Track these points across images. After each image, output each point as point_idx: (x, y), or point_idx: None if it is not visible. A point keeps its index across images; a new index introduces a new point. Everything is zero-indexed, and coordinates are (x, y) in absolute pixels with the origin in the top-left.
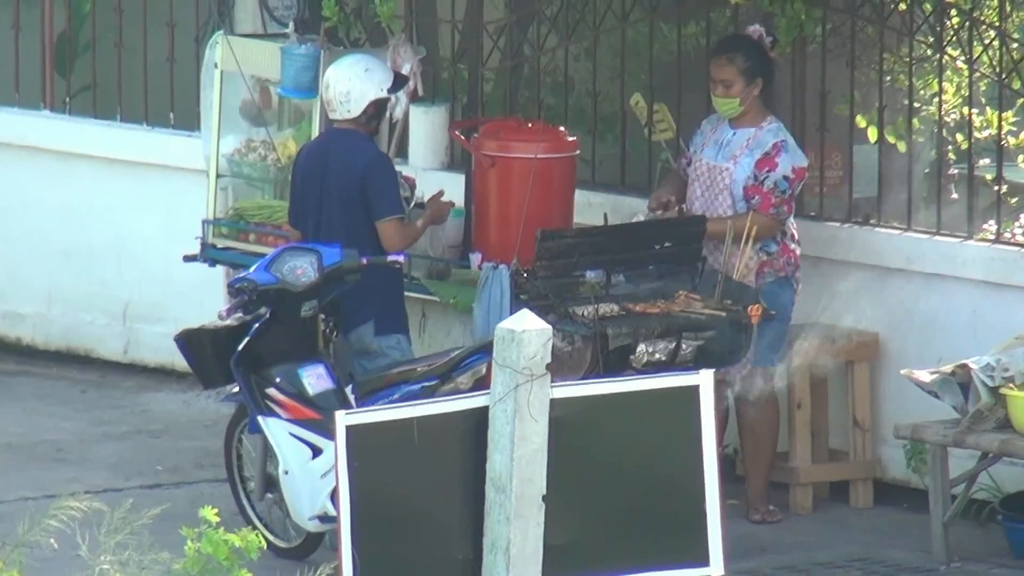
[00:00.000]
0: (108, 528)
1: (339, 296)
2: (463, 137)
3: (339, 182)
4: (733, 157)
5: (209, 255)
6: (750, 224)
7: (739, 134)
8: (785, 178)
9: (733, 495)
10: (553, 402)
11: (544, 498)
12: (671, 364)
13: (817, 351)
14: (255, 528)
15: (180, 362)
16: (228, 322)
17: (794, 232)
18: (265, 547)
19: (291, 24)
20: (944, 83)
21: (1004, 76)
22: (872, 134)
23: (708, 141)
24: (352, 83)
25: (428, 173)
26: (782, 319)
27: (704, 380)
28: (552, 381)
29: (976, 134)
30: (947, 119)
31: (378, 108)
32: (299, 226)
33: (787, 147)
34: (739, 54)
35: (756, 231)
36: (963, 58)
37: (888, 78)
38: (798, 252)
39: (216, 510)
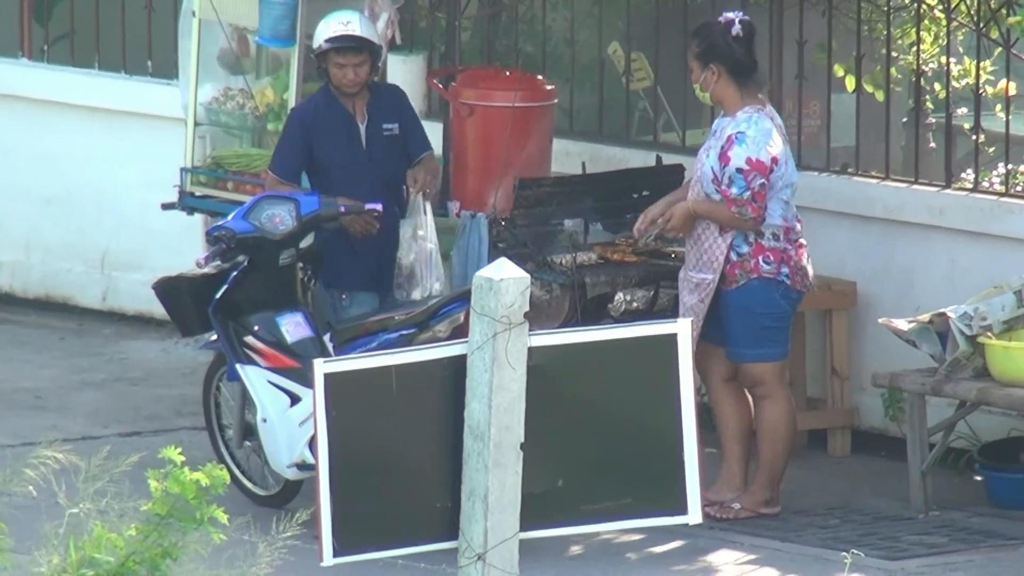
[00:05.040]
0: (86, 476)
1: (317, 245)
2: (441, 86)
3: None
4: (708, 147)
5: (187, 203)
6: (706, 209)
7: (719, 123)
8: (739, 170)
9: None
10: (531, 350)
11: (522, 446)
12: (649, 313)
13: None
14: (232, 474)
15: (158, 310)
16: (206, 270)
17: (777, 232)
18: (229, 481)
19: None
20: (922, 32)
21: (982, 25)
22: (850, 83)
23: None
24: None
25: None
26: (763, 316)
27: (682, 329)
28: (530, 329)
29: (954, 83)
30: (925, 68)
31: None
32: None
33: (742, 139)
34: (696, 39)
35: (716, 218)
36: (941, 7)
37: (866, 27)
38: (783, 248)
39: (180, 450)
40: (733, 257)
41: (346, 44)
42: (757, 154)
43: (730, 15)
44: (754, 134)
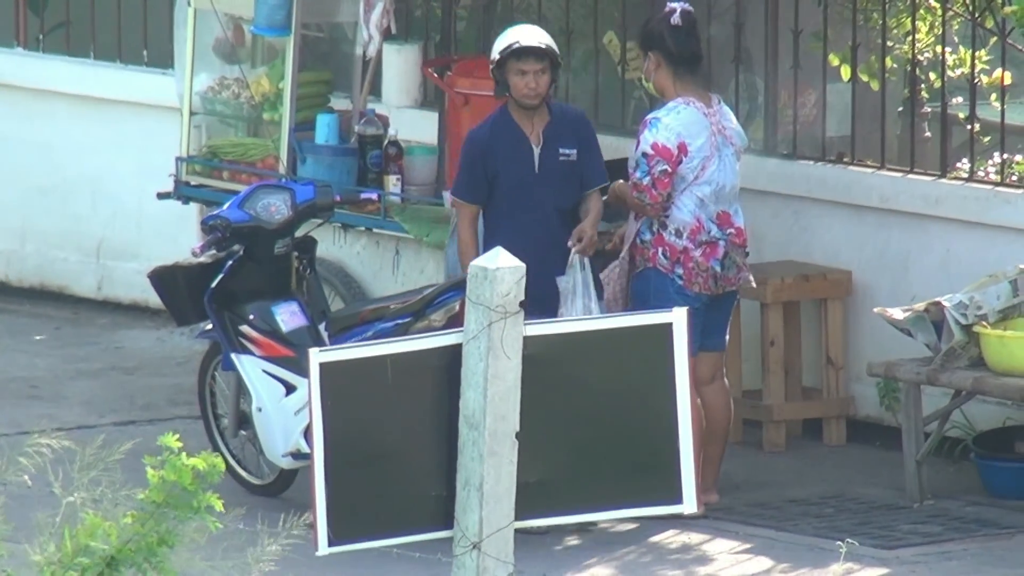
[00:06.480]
0: (81, 465)
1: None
2: (436, 75)
3: None
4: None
5: (182, 192)
6: (617, 190)
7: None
8: (644, 155)
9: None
10: (526, 340)
11: (517, 435)
12: None
13: (791, 289)
14: (227, 463)
15: (154, 299)
16: (201, 259)
17: (682, 228)
18: (224, 469)
19: None
20: (917, 21)
21: (977, 15)
22: (845, 72)
23: None
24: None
25: (401, 111)
26: (657, 308)
27: (678, 318)
28: (525, 319)
29: (949, 73)
30: (920, 58)
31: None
32: None
33: (654, 124)
34: (641, 30)
35: (626, 201)
36: None
37: (861, 16)
38: (683, 247)
39: (178, 436)
40: (638, 242)
41: (527, 47)
42: (665, 140)
43: (673, 4)
44: (669, 121)
